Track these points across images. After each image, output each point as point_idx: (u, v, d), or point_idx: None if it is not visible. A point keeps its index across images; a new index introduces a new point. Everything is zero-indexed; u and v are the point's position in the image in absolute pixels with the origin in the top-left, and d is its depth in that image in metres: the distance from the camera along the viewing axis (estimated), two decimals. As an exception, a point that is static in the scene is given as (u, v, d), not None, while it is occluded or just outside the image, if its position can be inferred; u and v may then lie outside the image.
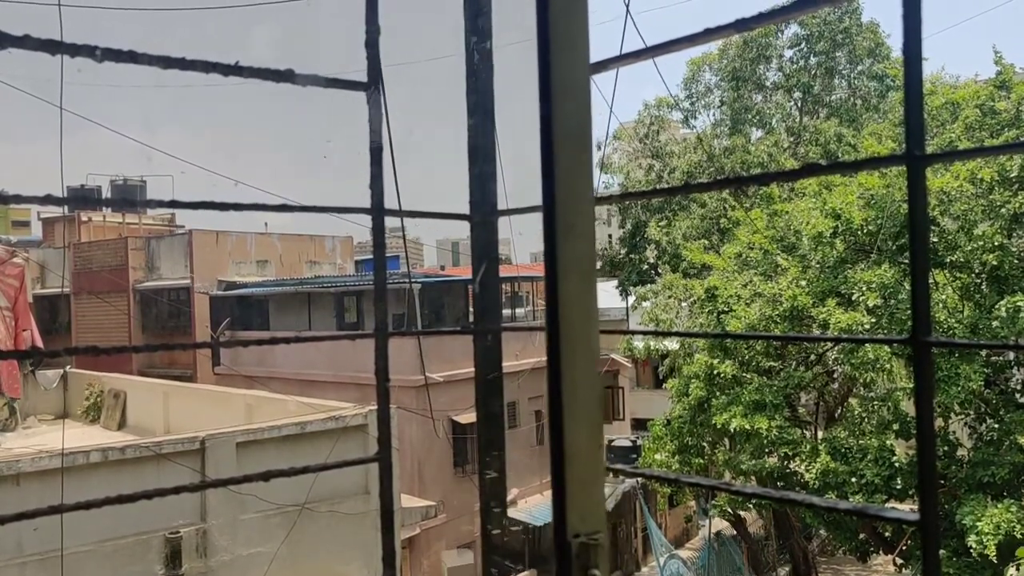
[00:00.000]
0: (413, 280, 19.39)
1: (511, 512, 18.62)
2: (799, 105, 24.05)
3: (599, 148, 21.88)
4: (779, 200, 15.92)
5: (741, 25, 0.96)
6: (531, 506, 18.96)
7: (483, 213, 1.39)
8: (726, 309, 14.63)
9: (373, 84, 1.05)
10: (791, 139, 23.14)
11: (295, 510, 9.03)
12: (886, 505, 13.08)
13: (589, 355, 0.79)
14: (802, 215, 14.29)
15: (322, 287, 22.60)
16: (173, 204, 1.05)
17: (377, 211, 1.10)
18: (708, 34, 1.01)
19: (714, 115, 25.12)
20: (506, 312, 23.31)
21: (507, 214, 1.40)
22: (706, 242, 18.91)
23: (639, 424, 23.82)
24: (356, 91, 1.06)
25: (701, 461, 16.16)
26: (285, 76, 0.99)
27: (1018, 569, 9.19)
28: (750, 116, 23.77)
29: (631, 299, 24.01)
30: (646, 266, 24.17)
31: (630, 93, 15.23)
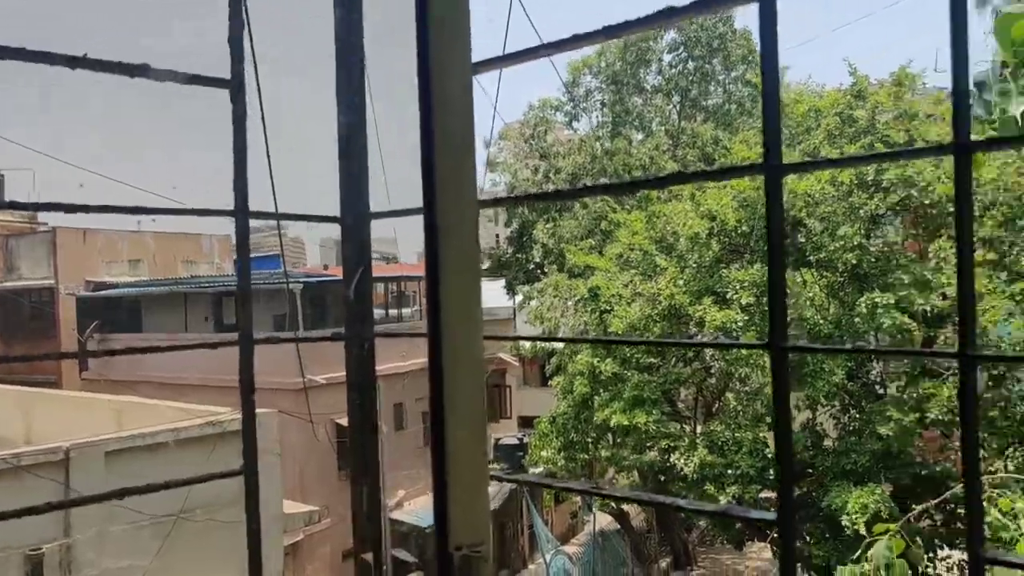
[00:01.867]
0: (294, 280, 18.92)
1: (397, 515, 18.44)
2: (678, 109, 24.81)
3: (487, 146, 21.95)
4: (657, 202, 16.37)
5: (609, 32, 0.97)
6: (417, 508, 18.84)
7: (355, 215, 1.35)
8: (608, 308, 14.95)
9: (236, 80, 1.00)
10: (670, 142, 23.83)
11: (169, 520, 8.65)
12: (760, 494, 13.67)
13: (473, 360, 0.78)
14: (679, 217, 14.75)
15: (198, 287, 21.76)
16: (12, 205, 0.97)
17: (240, 213, 1.04)
18: (577, 40, 1.01)
19: (596, 117, 25.61)
20: (392, 312, 23.06)
21: (381, 217, 1.36)
22: (591, 242, 19.25)
23: (526, 422, 24.05)
24: (219, 88, 1.00)
25: (586, 457, 16.46)
26: (139, 70, 0.93)
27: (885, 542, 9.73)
28: (631, 119, 24.35)
29: (518, 298, 24.21)
30: (532, 265, 24.42)
31: (520, 91, 15.36)
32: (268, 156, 2.16)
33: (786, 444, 0.90)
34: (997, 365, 12.41)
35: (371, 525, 1.36)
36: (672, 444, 14.51)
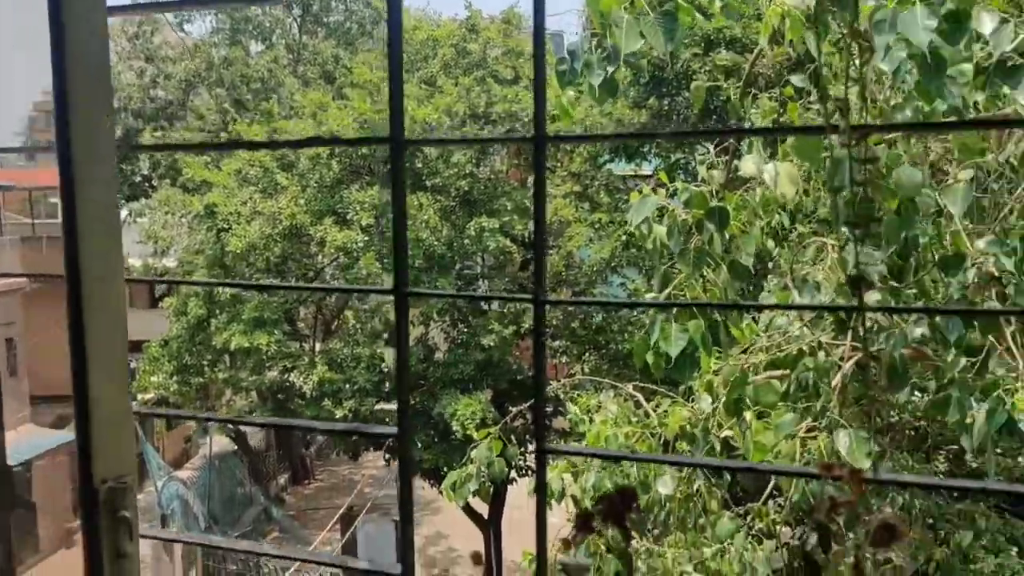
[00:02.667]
0: None
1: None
2: (299, 22, 24.09)
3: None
4: (279, 118, 15.95)
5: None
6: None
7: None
8: (226, 227, 14.39)
9: None
10: (291, 56, 23.14)
11: None
12: (376, 406, 14.35)
13: (115, 304, 0.80)
14: (301, 135, 14.55)
15: None
16: None
17: None
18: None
19: (212, 22, 23.96)
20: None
21: None
22: (208, 157, 18.21)
23: (134, 346, 22.40)
24: None
25: (201, 380, 15.90)
26: None
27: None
28: (250, 28, 23.17)
29: (123, 213, 22.18)
30: (139, 178, 22.46)
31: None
32: None
33: (403, 375, 1.05)
34: (579, 281, 14.27)
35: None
36: (292, 364, 14.59)
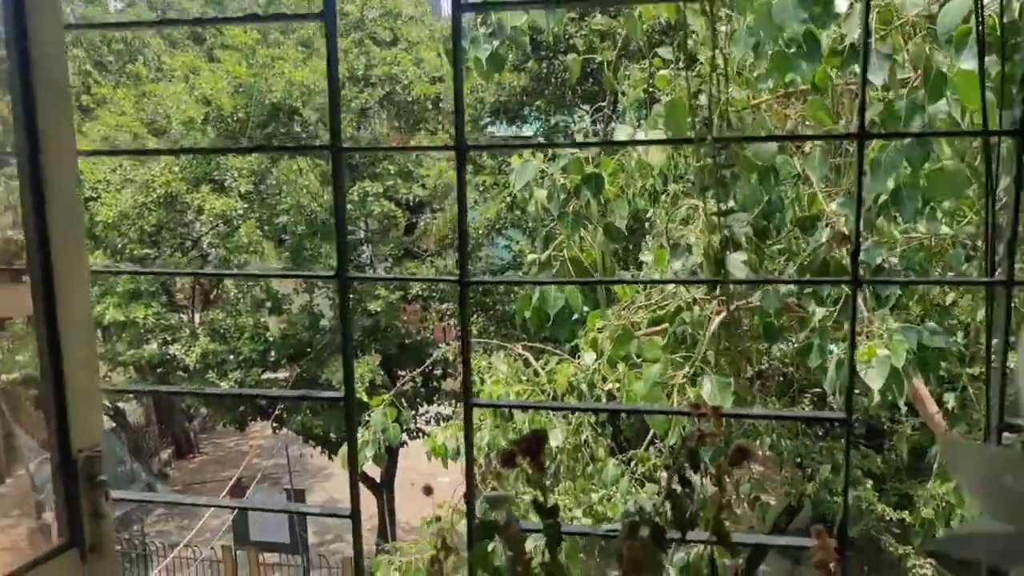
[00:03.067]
0: None
1: None
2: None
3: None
4: (148, 81, 15.27)
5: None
6: None
7: None
8: (95, 196, 13.75)
9: None
10: (155, 15, 22.00)
11: None
12: (262, 375, 14.17)
13: (83, 292, 0.89)
14: (172, 99, 14.00)
15: None
16: None
17: None
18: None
19: (65, -24, 22.44)
20: None
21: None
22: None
23: (-7, 325, 21.10)
24: None
25: (73, 357, 15.23)
26: None
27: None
28: (108, -16, 21.86)
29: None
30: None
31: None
32: None
33: (349, 358, 1.15)
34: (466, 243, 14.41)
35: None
36: (172, 336, 14.18)
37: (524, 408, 4.31)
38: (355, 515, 1.27)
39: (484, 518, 0.83)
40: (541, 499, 0.80)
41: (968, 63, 2.32)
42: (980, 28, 2.29)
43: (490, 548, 0.81)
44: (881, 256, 3.21)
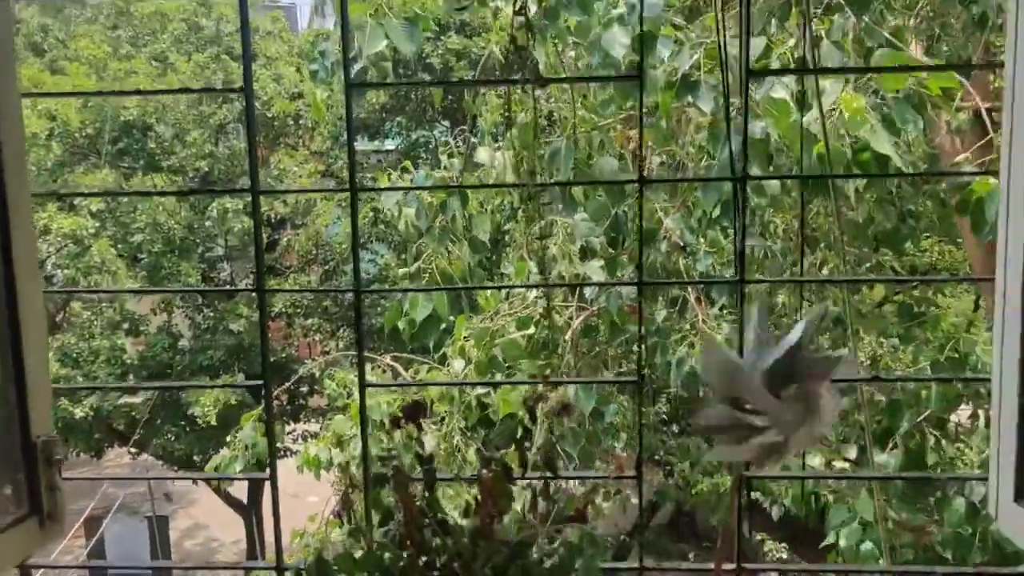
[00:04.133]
0: None
1: None
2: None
3: None
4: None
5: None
6: None
7: None
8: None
9: None
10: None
11: None
12: (119, 400, 13.66)
13: (36, 283, 1.07)
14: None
15: None
16: None
17: None
18: None
19: None
20: None
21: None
22: None
23: None
24: None
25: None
26: None
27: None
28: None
29: None
30: None
31: None
32: None
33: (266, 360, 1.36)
34: (330, 259, 14.43)
35: None
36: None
37: (415, 387, 4.50)
38: (273, 478, 1.49)
39: (376, 471, 1.07)
40: (420, 452, 1.05)
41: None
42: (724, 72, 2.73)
43: (382, 493, 1.05)
44: (710, 263, 3.64)
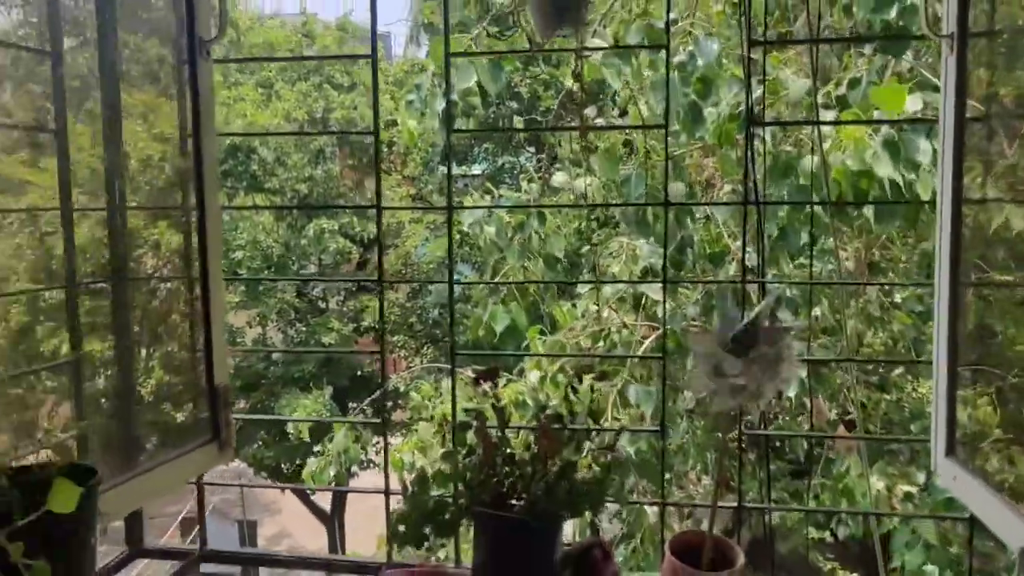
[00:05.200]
0: None
1: None
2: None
3: None
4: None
5: None
6: None
7: None
8: (51, 230, 14.02)
9: None
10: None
11: None
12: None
13: (220, 270, 1.47)
14: (130, 136, 14.38)
15: None
16: None
17: None
18: None
19: (18, 14, 22.66)
20: None
21: None
22: (23, 155, 17.45)
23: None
24: None
25: (19, 391, 15.30)
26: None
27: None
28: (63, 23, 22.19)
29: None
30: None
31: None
32: None
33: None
34: (417, 277, 15.03)
35: None
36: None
37: (498, 356, 4.80)
38: (383, 393, 1.86)
39: (461, 419, 1.43)
40: (495, 403, 1.40)
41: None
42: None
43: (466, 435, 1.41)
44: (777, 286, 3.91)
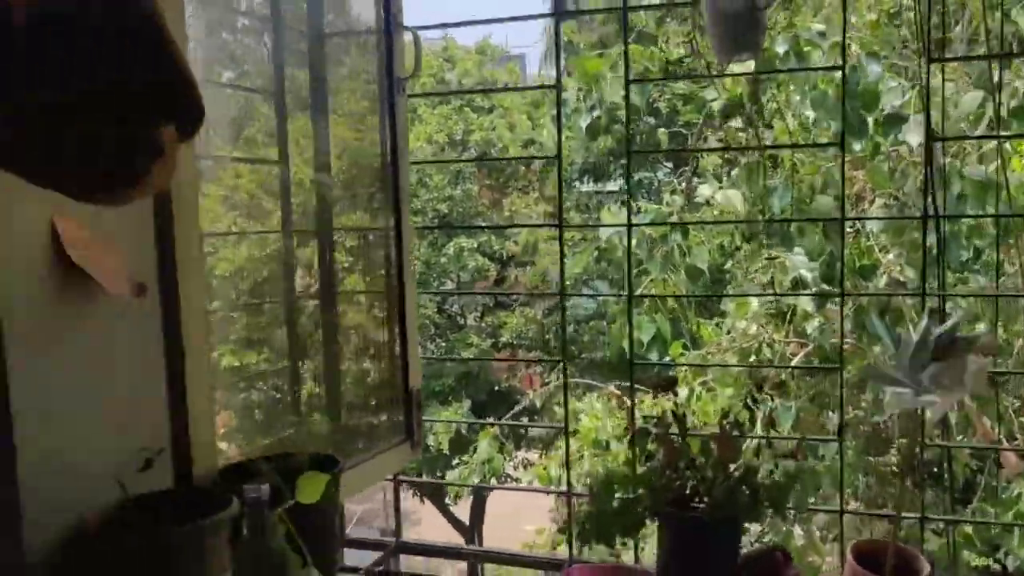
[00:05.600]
0: None
1: None
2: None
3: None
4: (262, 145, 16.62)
5: None
6: None
7: None
8: (212, 250, 15.01)
9: None
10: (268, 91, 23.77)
11: None
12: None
13: (414, 286, 1.61)
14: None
15: None
16: None
17: None
18: None
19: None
20: None
21: None
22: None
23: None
24: None
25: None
26: None
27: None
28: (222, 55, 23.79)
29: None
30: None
31: None
32: None
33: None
34: (555, 294, 15.19)
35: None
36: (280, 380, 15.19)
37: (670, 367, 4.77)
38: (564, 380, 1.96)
39: (640, 426, 1.51)
40: (675, 412, 1.47)
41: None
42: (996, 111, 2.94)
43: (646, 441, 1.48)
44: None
